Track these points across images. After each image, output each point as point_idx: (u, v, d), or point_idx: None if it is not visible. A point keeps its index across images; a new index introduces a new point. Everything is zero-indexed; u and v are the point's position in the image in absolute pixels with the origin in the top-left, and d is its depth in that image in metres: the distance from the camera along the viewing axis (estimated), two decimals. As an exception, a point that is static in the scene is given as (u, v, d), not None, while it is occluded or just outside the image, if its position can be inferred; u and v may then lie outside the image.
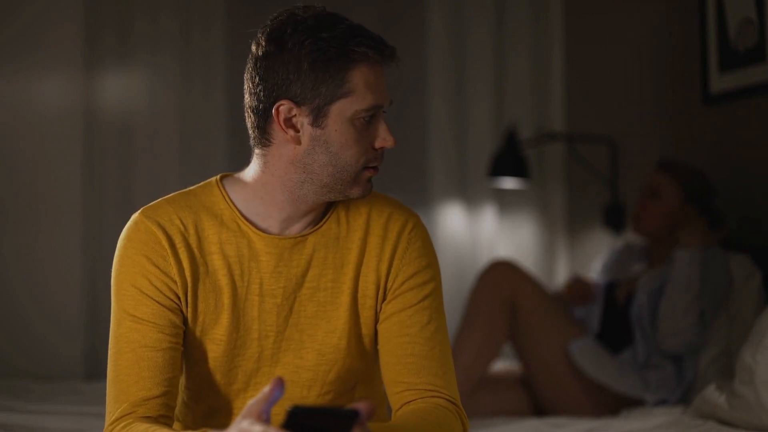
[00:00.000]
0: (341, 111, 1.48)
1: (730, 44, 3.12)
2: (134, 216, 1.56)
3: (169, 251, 1.53)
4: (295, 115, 1.49)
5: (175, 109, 3.79)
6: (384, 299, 1.60)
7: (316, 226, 1.58)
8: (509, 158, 3.76)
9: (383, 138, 1.51)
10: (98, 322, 3.63)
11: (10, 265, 3.60)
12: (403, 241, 1.60)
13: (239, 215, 1.56)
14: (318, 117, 1.48)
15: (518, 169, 3.76)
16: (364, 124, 1.49)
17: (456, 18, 4.08)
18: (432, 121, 4.08)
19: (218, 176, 1.61)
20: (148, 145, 3.75)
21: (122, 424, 1.48)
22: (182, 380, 1.64)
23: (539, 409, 2.98)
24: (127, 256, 1.54)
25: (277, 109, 1.49)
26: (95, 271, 3.64)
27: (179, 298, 1.54)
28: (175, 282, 1.53)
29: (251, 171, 1.58)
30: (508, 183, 3.88)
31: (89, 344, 3.64)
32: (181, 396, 1.66)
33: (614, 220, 3.78)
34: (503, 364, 3.23)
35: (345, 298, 1.58)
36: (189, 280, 1.54)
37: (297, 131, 1.49)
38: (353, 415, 1.16)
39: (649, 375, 2.86)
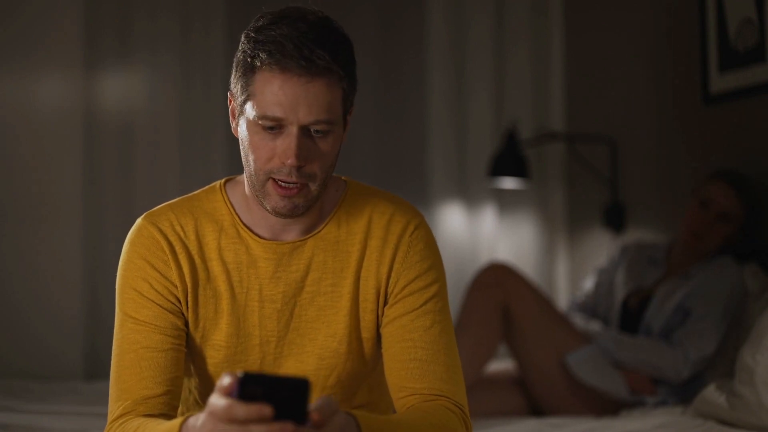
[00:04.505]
0: (248, 112, 1.46)
1: (730, 44, 3.12)
2: (138, 221, 1.58)
3: (169, 256, 1.54)
4: (234, 107, 1.51)
5: (175, 109, 3.79)
6: (385, 303, 1.58)
7: (316, 231, 1.58)
8: (509, 158, 3.76)
9: (283, 152, 1.44)
10: (98, 322, 3.63)
11: (10, 266, 3.60)
12: (404, 244, 1.58)
13: (239, 221, 1.57)
14: (239, 113, 1.49)
15: (518, 169, 3.76)
16: (268, 131, 1.44)
17: (456, 18, 4.08)
18: (432, 121, 4.07)
19: (223, 180, 1.62)
20: (148, 145, 3.75)
21: (121, 421, 1.49)
22: (194, 382, 1.64)
23: (536, 409, 2.98)
24: (129, 260, 1.56)
25: (228, 99, 1.53)
26: (95, 272, 3.64)
27: (180, 302, 1.55)
28: (176, 286, 1.54)
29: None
30: (508, 183, 3.89)
31: (89, 344, 3.64)
32: (193, 396, 1.67)
33: (614, 220, 3.78)
34: (499, 364, 3.23)
35: (345, 303, 1.57)
36: (189, 285, 1.55)
37: (237, 124, 1.52)
38: (304, 385, 1.14)
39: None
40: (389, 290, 1.57)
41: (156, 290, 1.53)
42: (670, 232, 3.39)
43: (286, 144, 1.44)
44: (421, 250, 1.58)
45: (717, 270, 2.89)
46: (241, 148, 1.51)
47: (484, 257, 4.00)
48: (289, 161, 1.43)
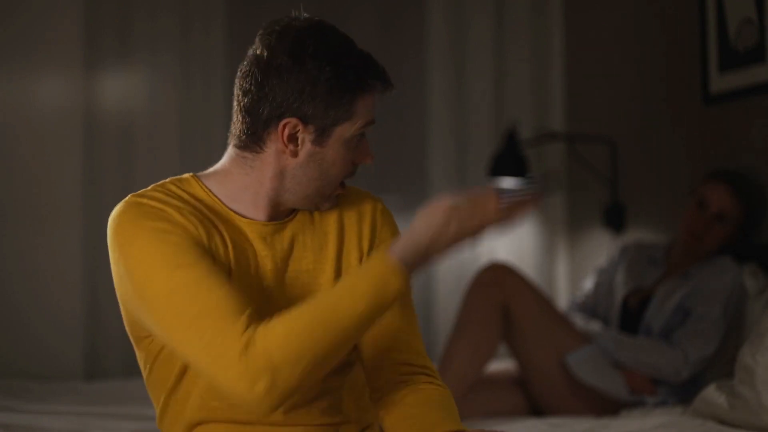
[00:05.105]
0: (342, 133, 1.53)
1: (730, 44, 3.13)
2: (128, 200, 1.52)
3: (179, 218, 1.50)
4: (299, 131, 1.52)
5: (175, 109, 3.79)
6: None
7: (291, 215, 1.61)
8: (509, 158, 3.75)
9: (366, 155, 1.58)
10: (98, 322, 3.63)
11: (10, 266, 3.60)
12: (379, 219, 1.66)
13: (221, 203, 1.57)
14: (321, 136, 1.53)
15: (518, 169, 3.76)
16: (356, 143, 1.55)
17: (456, 18, 4.08)
18: (432, 121, 4.07)
19: (189, 174, 1.62)
20: (148, 145, 3.75)
21: (264, 325, 1.40)
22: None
23: (536, 409, 2.98)
24: (140, 226, 1.48)
25: (284, 125, 1.51)
26: (95, 272, 3.64)
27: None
28: (201, 238, 1.50)
29: (229, 171, 1.59)
30: (508, 183, 3.88)
31: (89, 344, 3.64)
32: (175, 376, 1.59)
33: (614, 220, 3.78)
34: (499, 364, 3.23)
35: (327, 278, 1.60)
36: (205, 241, 1.51)
37: (296, 146, 1.53)
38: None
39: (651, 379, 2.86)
40: None
41: (188, 238, 1.48)
42: (670, 232, 3.39)
43: (366, 147, 1.58)
44: (391, 224, 1.67)
45: (716, 270, 2.89)
46: (314, 166, 1.54)
47: (484, 257, 3.99)
48: (371, 160, 1.58)
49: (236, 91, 1.56)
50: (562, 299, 4.02)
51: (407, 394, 1.60)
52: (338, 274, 1.61)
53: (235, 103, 1.57)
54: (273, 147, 1.54)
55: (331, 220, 1.63)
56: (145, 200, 1.52)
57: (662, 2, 3.58)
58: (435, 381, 1.62)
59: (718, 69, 3.19)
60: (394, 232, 1.67)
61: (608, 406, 2.86)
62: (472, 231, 1.47)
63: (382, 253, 1.45)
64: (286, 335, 1.39)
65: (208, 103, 3.82)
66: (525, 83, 4.12)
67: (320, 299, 1.44)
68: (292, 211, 1.62)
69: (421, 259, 1.46)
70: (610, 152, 3.82)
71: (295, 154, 1.53)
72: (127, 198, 1.54)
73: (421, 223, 1.46)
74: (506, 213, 1.48)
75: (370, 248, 1.64)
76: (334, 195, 1.60)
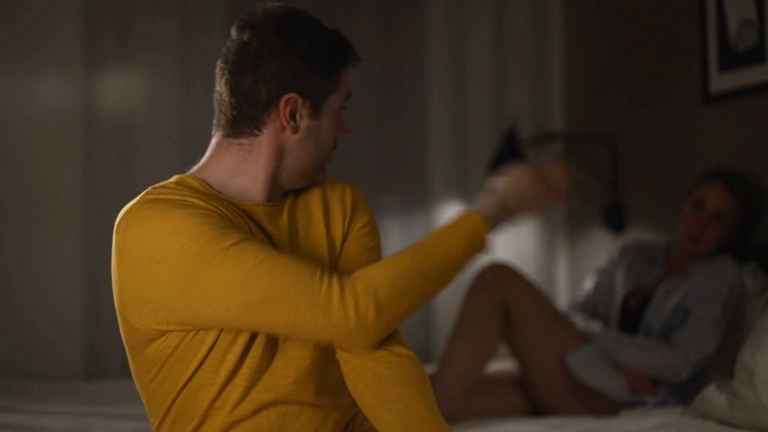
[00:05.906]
0: (332, 105, 1.63)
1: (730, 44, 3.13)
2: (143, 199, 1.54)
3: (206, 205, 1.53)
4: (298, 107, 1.59)
5: (175, 109, 3.79)
6: (344, 241, 1.72)
7: (282, 199, 1.68)
8: (509, 158, 3.75)
9: (345, 129, 1.68)
10: (98, 322, 3.63)
11: (11, 266, 3.60)
12: (357, 197, 1.75)
13: (220, 194, 1.60)
14: (316, 109, 1.61)
15: (518, 169, 3.75)
16: (338, 117, 1.65)
17: (456, 18, 4.08)
18: (432, 121, 4.07)
19: (175, 176, 1.64)
20: (148, 145, 3.75)
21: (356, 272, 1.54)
22: (211, 336, 1.56)
23: (536, 409, 2.98)
24: (173, 217, 1.49)
25: (286, 101, 1.58)
26: (95, 272, 3.64)
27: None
28: (232, 219, 1.55)
29: (221, 160, 1.65)
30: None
31: (89, 344, 3.64)
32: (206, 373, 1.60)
33: (614, 220, 3.78)
34: (499, 364, 3.23)
35: (321, 250, 1.67)
36: (236, 222, 1.56)
37: (296, 122, 1.60)
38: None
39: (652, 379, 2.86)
40: (350, 230, 1.72)
41: (225, 218, 1.52)
42: (670, 232, 3.39)
43: (343, 122, 1.67)
44: (365, 202, 1.77)
45: (716, 269, 2.89)
46: (311, 140, 1.62)
47: (484, 257, 3.99)
48: (348, 134, 1.68)
49: (226, 81, 1.65)
50: (562, 299, 4.02)
51: (380, 368, 1.57)
52: (330, 246, 1.69)
53: (225, 94, 1.66)
54: (272, 127, 1.61)
55: (315, 198, 1.71)
56: (162, 195, 1.54)
57: (662, 2, 3.58)
58: (401, 343, 1.63)
59: (718, 69, 3.19)
60: (370, 211, 1.77)
61: (608, 406, 2.86)
62: (542, 196, 1.72)
63: (466, 210, 1.65)
64: (389, 275, 1.54)
65: (208, 103, 3.76)
66: (525, 83, 4.13)
67: (414, 249, 1.59)
68: (282, 196, 1.67)
69: (504, 215, 1.69)
70: (610, 152, 3.82)
71: (296, 130, 1.60)
72: (138, 199, 1.55)
73: (505, 185, 1.70)
74: (565, 180, 1.73)
75: (351, 220, 1.73)
76: (324, 167, 1.69)
